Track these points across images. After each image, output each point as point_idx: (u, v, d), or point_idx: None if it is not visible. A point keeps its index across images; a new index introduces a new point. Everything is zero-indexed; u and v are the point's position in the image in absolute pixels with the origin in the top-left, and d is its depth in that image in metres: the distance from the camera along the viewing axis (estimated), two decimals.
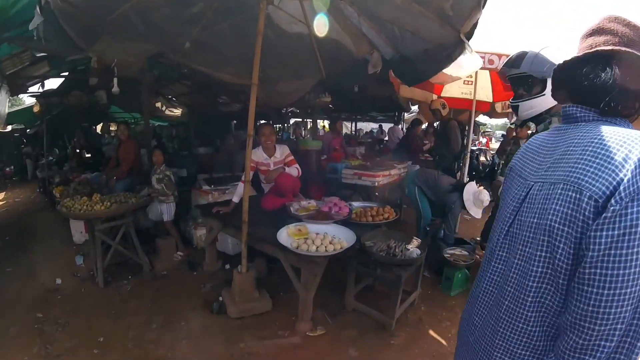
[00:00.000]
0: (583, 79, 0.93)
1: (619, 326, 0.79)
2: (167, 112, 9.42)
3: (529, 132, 3.15)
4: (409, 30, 3.04)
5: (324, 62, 3.87)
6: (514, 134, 5.03)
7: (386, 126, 14.77)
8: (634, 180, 0.76)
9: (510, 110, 6.56)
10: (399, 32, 3.12)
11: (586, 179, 0.82)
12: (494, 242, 1.12)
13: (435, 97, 6.01)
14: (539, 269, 0.91)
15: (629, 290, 0.76)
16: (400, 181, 5.45)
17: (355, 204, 4.11)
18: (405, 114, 11.88)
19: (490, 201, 4.14)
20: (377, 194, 5.22)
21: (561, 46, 1.78)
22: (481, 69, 3.43)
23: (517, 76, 1.84)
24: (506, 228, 1.06)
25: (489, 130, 27.65)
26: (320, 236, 2.93)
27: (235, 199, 3.60)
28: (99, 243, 3.67)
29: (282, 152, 3.97)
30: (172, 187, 4.30)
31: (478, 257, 3.98)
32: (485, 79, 5.73)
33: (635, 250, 0.75)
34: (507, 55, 3.93)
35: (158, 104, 8.90)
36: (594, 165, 0.83)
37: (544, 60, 1.72)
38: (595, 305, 0.79)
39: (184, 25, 3.14)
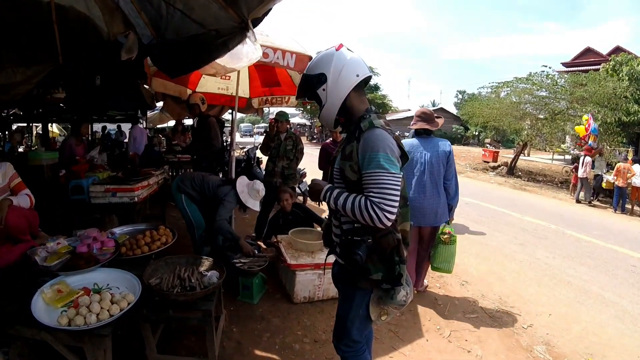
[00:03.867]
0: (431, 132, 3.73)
1: None
2: None
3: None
4: (179, 10, 2.45)
5: (63, 43, 2.81)
6: (276, 130, 5.05)
7: (125, 127, 13.04)
8: (450, 148, 3.68)
9: (262, 106, 6.89)
10: (167, 10, 2.49)
11: (446, 148, 3.62)
12: (418, 175, 3.59)
13: (190, 91, 5.53)
14: (441, 175, 3.60)
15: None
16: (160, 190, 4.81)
17: (117, 230, 3.24)
18: (149, 112, 10.75)
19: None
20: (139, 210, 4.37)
21: (326, 47, 1.86)
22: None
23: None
24: (423, 168, 3.56)
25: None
26: (96, 296, 2.08)
27: None
28: None
29: (4, 173, 2.79)
30: None
31: (265, 256, 3.81)
32: (244, 74, 5.60)
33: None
34: (284, 50, 3.92)
35: None
36: (446, 145, 3.65)
37: (308, 77, 1.82)
38: (454, 177, 3.69)
39: None
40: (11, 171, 2.86)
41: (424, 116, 3.68)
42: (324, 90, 1.75)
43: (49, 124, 11.01)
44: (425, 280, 4.09)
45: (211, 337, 2.47)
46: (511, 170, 17.36)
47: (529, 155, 24.10)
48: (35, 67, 2.81)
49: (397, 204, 1.59)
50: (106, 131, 16.88)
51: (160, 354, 2.61)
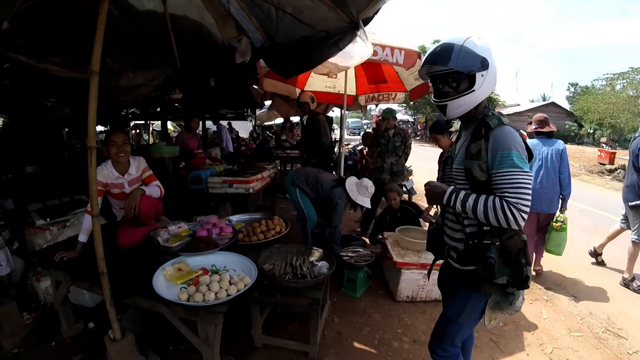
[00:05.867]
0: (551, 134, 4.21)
1: None
2: None
3: (453, 130, 3.50)
4: (289, 13, 2.59)
5: (179, 49, 3.15)
6: (384, 127, 5.10)
7: (237, 125, 14.13)
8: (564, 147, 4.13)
9: (369, 103, 6.95)
10: (276, 14, 2.64)
11: (560, 146, 4.09)
12: (536, 168, 4.03)
13: (299, 90, 5.80)
14: (556, 170, 4.02)
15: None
16: (272, 184, 5.11)
17: (234, 218, 3.57)
18: (257, 110, 11.46)
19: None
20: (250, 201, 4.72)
21: (480, 35, 1.65)
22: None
23: (442, 73, 1.70)
24: (541, 163, 4.03)
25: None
26: (216, 277, 2.29)
27: (82, 238, 2.68)
28: None
29: (137, 166, 3.11)
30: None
31: (371, 252, 3.85)
32: (350, 71, 5.73)
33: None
34: (393, 47, 3.96)
35: None
36: (560, 144, 4.13)
37: (469, 53, 1.61)
38: (566, 171, 4.05)
39: None
40: (144, 164, 3.19)
41: (542, 119, 4.31)
42: (482, 76, 1.63)
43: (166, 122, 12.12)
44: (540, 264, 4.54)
45: (316, 324, 2.59)
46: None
47: None
48: (155, 71, 3.18)
49: (530, 203, 1.51)
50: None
51: (264, 335, 2.79)
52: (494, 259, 1.54)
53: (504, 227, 1.53)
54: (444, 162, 1.93)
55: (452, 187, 1.71)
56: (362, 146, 6.00)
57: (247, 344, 2.80)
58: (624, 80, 15.38)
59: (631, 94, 14.77)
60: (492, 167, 1.57)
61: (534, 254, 4.40)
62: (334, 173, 4.82)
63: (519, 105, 40.61)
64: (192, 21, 2.96)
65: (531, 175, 1.55)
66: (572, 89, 47.53)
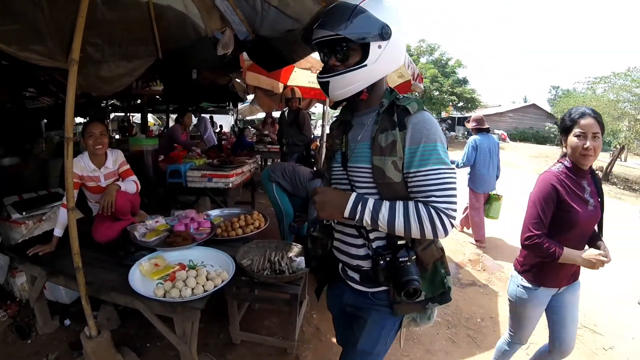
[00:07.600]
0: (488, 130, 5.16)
1: None
2: None
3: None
4: (274, 6, 2.57)
5: (162, 39, 3.10)
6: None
7: (218, 118, 13.97)
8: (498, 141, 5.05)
9: None
10: (262, 6, 2.62)
11: (496, 141, 5.30)
12: (487, 157, 5.14)
13: (282, 85, 5.77)
14: (494, 158, 5.31)
15: None
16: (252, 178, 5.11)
17: (213, 213, 3.53)
18: (239, 104, 11.35)
19: None
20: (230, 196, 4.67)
21: (381, 5, 1.24)
22: None
23: (328, 40, 1.26)
24: (489, 153, 5.19)
25: None
26: (193, 272, 2.24)
27: (58, 232, 2.61)
28: None
29: (115, 159, 3.02)
30: None
31: None
32: None
33: None
34: None
35: None
36: (496, 139, 5.31)
37: (366, 17, 1.20)
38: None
39: None
40: (121, 158, 3.11)
41: (481, 119, 5.36)
42: (379, 47, 1.23)
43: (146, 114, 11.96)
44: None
45: (294, 320, 2.58)
46: (606, 176, 15.19)
47: (625, 160, 21.35)
48: (137, 61, 3.11)
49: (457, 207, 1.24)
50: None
51: (242, 331, 2.77)
52: (418, 282, 1.24)
53: (432, 238, 1.25)
54: (329, 160, 1.51)
55: (354, 193, 1.31)
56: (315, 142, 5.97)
57: (226, 341, 2.77)
58: (605, 85, 15.65)
59: (612, 97, 14.98)
60: (410, 164, 1.23)
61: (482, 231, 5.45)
62: (314, 169, 4.80)
63: (500, 106, 41.42)
64: (176, 11, 2.92)
65: (456, 173, 1.26)
66: (553, 92, 48.59)
